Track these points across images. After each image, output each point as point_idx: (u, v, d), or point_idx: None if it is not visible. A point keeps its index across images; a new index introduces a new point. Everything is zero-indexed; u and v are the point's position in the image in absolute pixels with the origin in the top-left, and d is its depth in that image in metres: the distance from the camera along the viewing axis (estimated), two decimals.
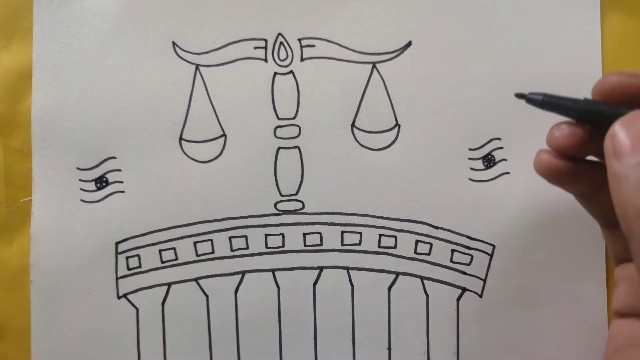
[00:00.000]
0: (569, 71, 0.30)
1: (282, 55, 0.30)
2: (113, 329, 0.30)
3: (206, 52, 0.30)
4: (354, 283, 0.30)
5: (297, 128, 0.30)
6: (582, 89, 0.24)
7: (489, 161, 0.30)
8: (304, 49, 0.30)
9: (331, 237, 0.30)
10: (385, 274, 0.30)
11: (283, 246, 0.30)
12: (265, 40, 0.30)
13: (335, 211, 0.30)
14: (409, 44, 0.30)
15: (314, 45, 0.30)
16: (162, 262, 0.30)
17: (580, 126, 0.22)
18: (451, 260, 0.30)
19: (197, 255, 0.30)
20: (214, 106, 0.30)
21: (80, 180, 0.30)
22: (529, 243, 0.30)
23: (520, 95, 0.23)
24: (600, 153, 0.21)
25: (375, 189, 0.30)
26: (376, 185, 0.30)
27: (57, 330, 0.30)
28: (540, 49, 0.30)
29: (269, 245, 0.30)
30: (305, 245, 0.30)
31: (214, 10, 0.30)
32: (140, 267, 0.30)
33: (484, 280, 0.30)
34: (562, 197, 0.30)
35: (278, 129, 0.30)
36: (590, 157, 0.24)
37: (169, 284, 0.30)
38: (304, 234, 0.30)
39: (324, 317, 0.30)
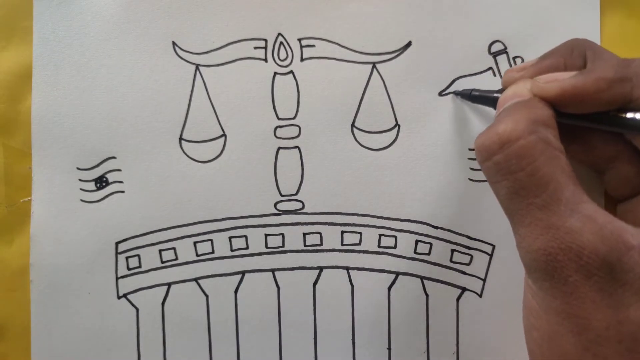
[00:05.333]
0: None
1: (282, 55, 0.30)
2: (113, 329, 0.30)
3: (206, 52, 0.30)
4: (354, 283, 0.30)
5: (297, 128, 0.30)
6: None
7: None
8: (304, 49, 0.30)
9: (331, 237, 0.30)
10: (385, 274, 0.30)
11: (283, 246, 0.30)
12: (265, 40, 0.30)
13: (335, 211, 0.30)
14: (409, 44, 0.30)
15: (314, 45, 0.30)
16: (162, 262, 0.30)
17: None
18: (451, 260, 0.30)
19: (197, 255, 0.30)
20: (214, 106, 0.30)
21: (80, 180, 0.30)
22: None
23: (456, 93, 0.30)
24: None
25: (375, 189, 0.30)
26: (376, 185, 0.30)
27: (57, 330, 0.30)
28: (541, 49, 0.30)
29: (269, 245, 0.30)
30: (305, 245, 0.30)
31: (214, 10, 0.30)
32: (140, 267, 0.30)
33: (484, 280, 0.30)
34: None
35: (278, 129, 0.30)
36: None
37: (169, 284, 0.30)
38: (304, 234, 0.30)
39: (324, 317, 0.30)
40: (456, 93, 0.30)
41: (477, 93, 0.28)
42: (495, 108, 0.25)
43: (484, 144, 0.22)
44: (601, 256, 0.20)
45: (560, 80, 0.23)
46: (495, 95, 0.26)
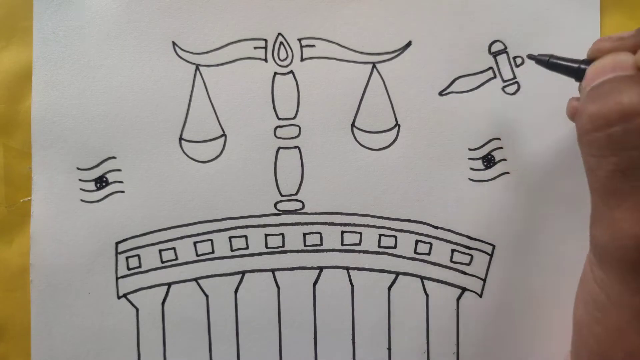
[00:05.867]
0: None
1: (282, 55, 0.30)
2: (113, 329, 0.30)
3: (206, 52, 0.30)
4: (354, 283, 0.30)
5: (297, 128, 0.30)
6: None
7: (488, 161, 0.30)
8: (304, 49, 0.30)
9: (331, 237, 0.30)
10: (385, 274, 0.30)
11: (283, 246, 0.30)
12: (265, 40, 0.30)
13: (335, 211, 0.30)
14: (409, 44, 0.30)
15: (314, 45, 0.30)
16: (162, 262, 0.30)
17: None
18: (451, 260, 0.30)
19: (197, 255, 0.30)
20: (214, 106, 0.30)
21: (80, 180, 0.30)
22: (529, 243, 0.30)
23: (531, 56, 0.27)
24: None
25: (375, 189, 0.30)
26: (376, 185, 0.30)
27: (57, 330, 0.30)
28: (541, 49, 0.30)
29: (269, 245, 0.30)
30: (305, 245, 0.30)
31: (214, 10, 0.30)
32: (140, 267, 0.30)
33: (484, 280, 0.30)
34: (561, 197, 0.30)
35: (278, 129, 0.30)
36: None
37: (169, 284, 0.30)
38: (304, 234, 0.30)
39: (324, 317, 0.30)
40: (530, 57, 0.27)
41: (556, 60, 0.26)
42: (576, 79, 0.24)
43: (602, 112, 0.20)
44: None
45: None
46: (581, 66, 0.24)
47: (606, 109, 0.20)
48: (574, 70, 0.24)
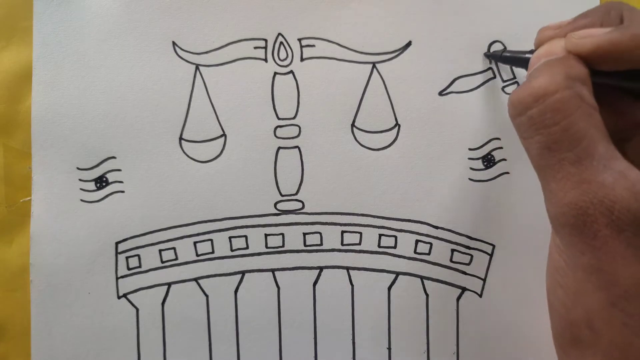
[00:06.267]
0: None
1: (282, 55, 0.30)
2: (113, 329, 0.30)
3: (206, 52, 0.30)
4: (354, 283, 0.30)
5: (297, 128, 0.30)
6: None
7: (488, 161, 0.30)
8: (304, 49, 0.30)
9: (331, 237, 0.30)
10: (385, 273, 0.30)
11: (283, 246, 0.30)
12: (265, 40, 0.30)
13: (335, 211, 0.30)
14: (409, 44, 0.30)
15: (314, 45, 0.30)
16: (162, 262, 0.30)
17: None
18: (451, 260, 0.30)
19: (197, 255, 0.30)
20: (214, 106, 0.30)
21: (80, 180, 0.30)
22: (529, 243, 0.30)
23: (487, 54, 0.30)
24: None
25: (375, 189, 0.30)
26: (376, 185, 0.30)
27: (57, 330, 0.30)
28: None
29: (269, 245, 0.30)
30: (305, 245, 0.30)
31: (214, 10, 0.30)
32: (140, 267, 0.30)
33: (484, 280, 0.30)
34: None
35: (278, 129, 0.30)
36: None
37: (169, 284, 0.30)
38: (304, 234, 0.30)
39: (324, 317, 0.30)
40: (486, 55, 0.30)
41: (508, 54, 0.28)
42: (527, 69, 0.25)
43: (519, 98, 0.22)
44: (632, 212, 0.19)
45: (595, 36, 0.22)
46: (527, 55, 0.26)
47: (522, 94, 0.22)
48: (524, 61, 0.26)
